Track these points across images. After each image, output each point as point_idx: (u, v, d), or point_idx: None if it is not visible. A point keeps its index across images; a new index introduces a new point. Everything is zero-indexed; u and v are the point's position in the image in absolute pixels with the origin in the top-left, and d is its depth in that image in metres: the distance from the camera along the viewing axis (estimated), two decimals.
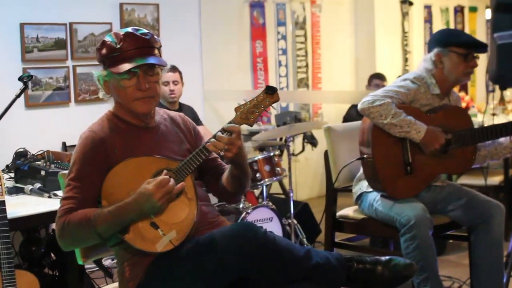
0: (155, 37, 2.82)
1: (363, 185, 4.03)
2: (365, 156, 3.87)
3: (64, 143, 5.67)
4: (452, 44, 3.90)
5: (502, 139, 3.98)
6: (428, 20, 9.92)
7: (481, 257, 3.85)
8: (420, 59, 4.11)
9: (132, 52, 2.72)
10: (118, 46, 2.72)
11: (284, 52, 8.14)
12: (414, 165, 3.85)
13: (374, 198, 3.96)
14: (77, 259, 3.03)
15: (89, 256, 3.08)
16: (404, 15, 9.36)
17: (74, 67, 6.12)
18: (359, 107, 3.85)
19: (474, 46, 3.95)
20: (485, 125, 4.97)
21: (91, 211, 2.63)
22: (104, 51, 2.76)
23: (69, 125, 5.76)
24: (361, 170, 4.03)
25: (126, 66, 2.70)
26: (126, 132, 2.80)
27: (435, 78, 3.94)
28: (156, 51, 2.79)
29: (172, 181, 2.62)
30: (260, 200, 5.60)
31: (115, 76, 2.73)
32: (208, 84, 7.34)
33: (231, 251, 2.51)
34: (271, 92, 2.75)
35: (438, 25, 10.05)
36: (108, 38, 2.77)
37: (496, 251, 3.83)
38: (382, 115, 3.77)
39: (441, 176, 4.12)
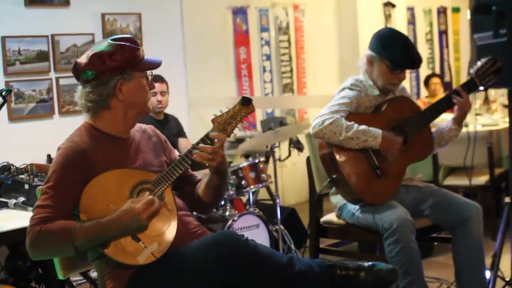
0: None
1: (341, 197, 4.04)
2: (334, 176, 3.87)
3: (49, 156, 5.65)
4: (384, 57, 3.91)
5: (443, 125, 4.04)
6: (412, 22, 9.94)
7: (462, 259, 3.86)
8: None
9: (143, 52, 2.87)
10: (138, 46, 2.82)
11: (268, 57, 8.14)
12: (382, 167, 3.87)
13: (354, 207, 3.97)
14: (58, 274, 3.01)
15: (69, 270, 3.06)
16: (387, 17, 9.37)
17: (57, 79, 6.11)
18: (311, 132, 3.86)
19: (403, 66, 3.95)
20: (469, 125, 5.01)
21: (70, 223, 2.61)
22: (126, 54, 2.78)
23: (53, 137, 5.64)
24: None
25: (150, 63, 2.85)
26: (105, 143, 2.81)
27: (371, 79, 3.97)
28: None
29: (157, 201, 2.64)
30: (247, 207, 5.60)
31: (139, 76, 2.82)
32: (193, 92, 7.34)
33: (212, 261, 2.52)
34: (246, 103, 2.80)
35: (421, 27, 10.10)
36: (112, 45, 2.79)
37: (476, 252, 3.84)
38: (336, 132, 3.77)
39: (421, 177, 4.15)
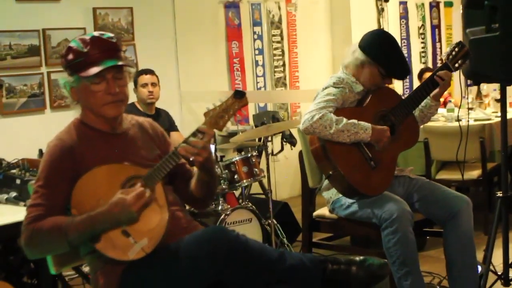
0: (119, 41, 2.84)
1: (333, 192, 4.04)
2: (330, 172, 3.86)
3: (40, 150, 5.65)
4: (381, 64, 3.93)
5: (423, 103, 4.06)
6: (404, 16, 9.93)
7: (453, 252, 3.86)
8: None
9: (100, 56, 2.71)
10: (85, 50, 2.72)
11: (261, 52, 8.13)
12: (375, 157, 3.87)
13: (349, 200, 3.96)
14: (50, 269, 3.01)
15: (61, 266, 3.06)
16: (380, 11, 9.37)
17: (48, 73, 6.09)
18: (301, 129, 3.85)
19: (396, 76, 4.04)
20: (461, 119, 5.02)
21: (62, 219, 2.61)
22: (70, 56, 2.75)
23: (45, 132, 5.61)
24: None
25: (95, 69, 2.69)
26: (94, 139, 2.80)
27: (354, 76, 3.98)
28: (122, 54, 2.81)
29: (148, 193, 2.62)
30: (240, 201, 5.60)
31: (84, 81, 2.72)
32: (185, 86, 7.34)
33: (203, 256, 2.52)
34: (239, 97, 2.74)
35: (414, 21, 10.08)
36: (73, 44, 2.76)
37: (467, 245, 3.84)
38: (326, 126, 3.76)
39: (412, 170, 4.15)
